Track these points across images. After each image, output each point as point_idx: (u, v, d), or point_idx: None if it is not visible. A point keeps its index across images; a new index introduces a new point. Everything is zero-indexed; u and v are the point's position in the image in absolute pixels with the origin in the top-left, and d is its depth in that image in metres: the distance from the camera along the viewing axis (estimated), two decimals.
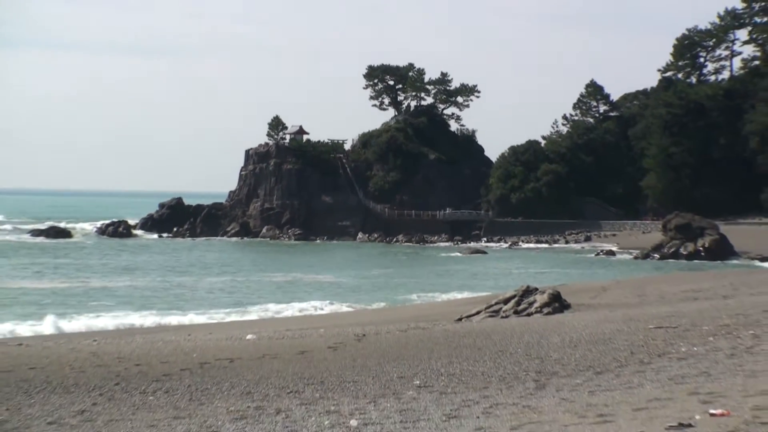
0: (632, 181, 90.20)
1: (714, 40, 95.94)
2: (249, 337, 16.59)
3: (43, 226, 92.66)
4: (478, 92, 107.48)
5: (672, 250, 60.74)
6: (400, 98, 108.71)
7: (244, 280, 46.87)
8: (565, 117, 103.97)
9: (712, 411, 8.22)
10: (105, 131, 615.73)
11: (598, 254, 67.35)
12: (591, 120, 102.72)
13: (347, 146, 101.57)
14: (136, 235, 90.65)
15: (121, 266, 54.74)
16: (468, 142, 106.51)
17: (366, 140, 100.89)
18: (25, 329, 25.86)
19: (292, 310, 32.32)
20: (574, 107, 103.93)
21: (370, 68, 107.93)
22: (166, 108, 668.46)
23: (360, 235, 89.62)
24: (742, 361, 11.30)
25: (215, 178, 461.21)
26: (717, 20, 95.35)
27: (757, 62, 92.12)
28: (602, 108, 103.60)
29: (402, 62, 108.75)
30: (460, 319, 20.64)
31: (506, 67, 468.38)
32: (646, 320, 15.71)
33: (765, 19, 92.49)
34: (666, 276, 37.99)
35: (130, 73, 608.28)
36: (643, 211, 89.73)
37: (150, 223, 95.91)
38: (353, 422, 9.26)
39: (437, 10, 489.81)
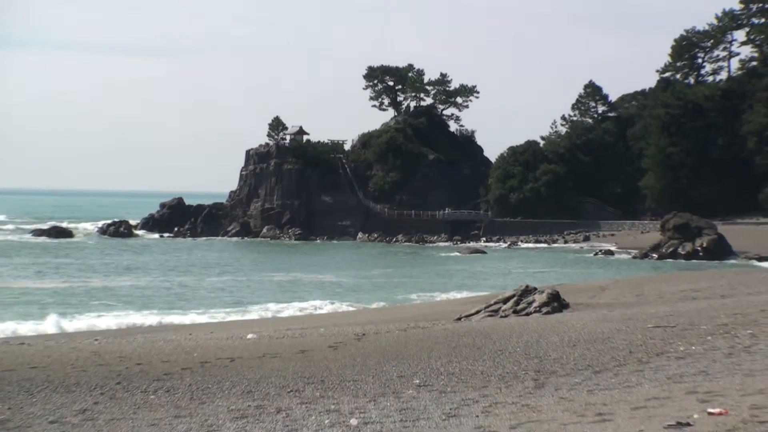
0: (631, 181, 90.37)
1: (712, 41, 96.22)
2: (250, 336, 16.59)
3: (45, 226, 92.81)
4: (478, 93, 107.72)
5: (670, 249, 60.85)
6: (399, 99, 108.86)
7: (245, 279, 46.93)
8: (563, 117, 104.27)
9: (710, 410, 8.25)
10: (107, 132, 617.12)
11: (596, 254, 67.45)
12: (590, 120, 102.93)
13: (347, 146, 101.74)
14: (137, 235, 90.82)
15: (122, 266, 54.81)
16: (467, 142, 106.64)
17: (366, 140, 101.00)
18: (27, 328, 25.92)
19: (292, 309, 32.39)
20: (573, 108, 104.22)
21: (370, 69, 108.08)
22: (166, 108, 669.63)
23: (360, 235, 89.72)
24: (740, 360, 11.35)
25: (216, 178, 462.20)
26: (715, 21, 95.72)
27: (754, 63, 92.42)
28: (601, 108, 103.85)
29: (402, 63, 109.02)
30: (459, 319, 20.66)
31: (505, 68, 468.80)
32: (645, 320, 15.75)
33: (762, 20, 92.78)
34: (664, 276, 38.02)
35: (131, 74, 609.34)
36: (641, 211, 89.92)
37: (151, 223, 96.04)
38: (353, 421, 9.27)
39: (437, 12, 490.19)
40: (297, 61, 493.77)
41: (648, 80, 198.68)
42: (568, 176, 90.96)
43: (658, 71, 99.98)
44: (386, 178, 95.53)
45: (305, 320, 26.22)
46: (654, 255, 61.31)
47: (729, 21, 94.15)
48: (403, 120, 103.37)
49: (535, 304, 20.59)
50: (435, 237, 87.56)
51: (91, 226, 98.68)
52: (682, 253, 59.96)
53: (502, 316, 20.24)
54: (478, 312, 21.31)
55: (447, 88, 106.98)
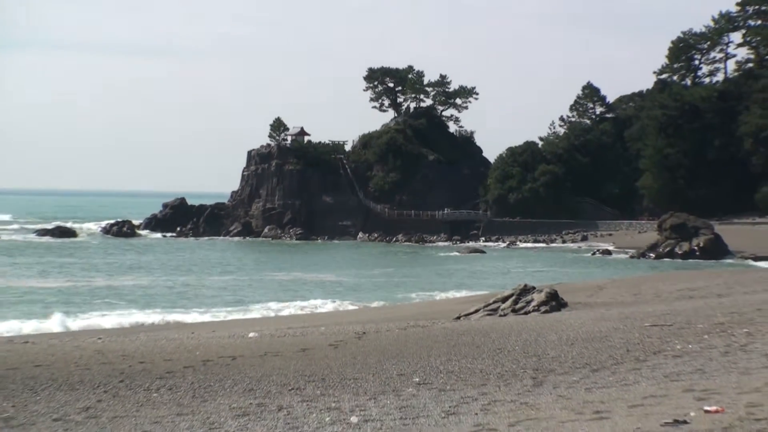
0: (628, 182, 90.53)
1: (709, 42, 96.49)
2: (251, 335, 16.61)
3: (49, 226, 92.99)
4: (477, 94, 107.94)
5: (667, 249, 60.99)
6: (399, 100, 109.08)
7: (247, 279, 47.00)
8: (562, 118, 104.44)
9: (706, 408, 8.26)
10: (108, 132, 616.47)
11: (594, 253, 67.53)
12: (588, 121, 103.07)
13: (348, 147, 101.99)
14: (140, 235, 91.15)
15: (125, 265, 54.90)
16: (467, 143, 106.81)
17: (366, 141, 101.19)
18: (31, 327, 25.95)
19: (293, 308, 32.43)
20: (571, 109, 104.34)
21: (371, 70, 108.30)
22: (168, 109, 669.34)
23: (360, 234, 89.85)
24: (736, 359, 11.37)
25: (218, 179, 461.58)
26: (711, 23, 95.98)
27: (750, 65, 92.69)
28: (599, 110, 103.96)
29: (401, 65, 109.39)
30: (458, 318, 20.71)
31: (504, 70, 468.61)
32: (642, 318, 15.78)
33: (759, 22, 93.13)
34: (661, 275, 37.99)
35: (133, 75, 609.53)
36: (638, 211, 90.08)
37: (154, 223, 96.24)
38: (354, 419, 9.29)
39: (436, 14, 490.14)
40: (298, 62, 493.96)
41: (645, 82, 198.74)
42: (567, 177, 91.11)
43: (655, 73, 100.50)
44: (386, 179, 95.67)
45: (306, 319, 26.25)
46: (651, 254, 61.45)
47: (725, 23, 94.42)
48: (403, 121, 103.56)
49: (533, 303, 20.66)
50: (435, 237, 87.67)
51: (94, 226, 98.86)
52: (679, 252, 60.10)
53: (500, 315, 20.30)
54: (477, 311, 21.38)
55: (446, 90, 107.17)
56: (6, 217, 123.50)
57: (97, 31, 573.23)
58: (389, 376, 11.74)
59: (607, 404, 9.08)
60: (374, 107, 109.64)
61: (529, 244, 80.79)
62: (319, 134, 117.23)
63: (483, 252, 71.94)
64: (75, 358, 13.53)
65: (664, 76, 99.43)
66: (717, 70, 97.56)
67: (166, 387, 11.39)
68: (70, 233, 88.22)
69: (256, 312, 31.65)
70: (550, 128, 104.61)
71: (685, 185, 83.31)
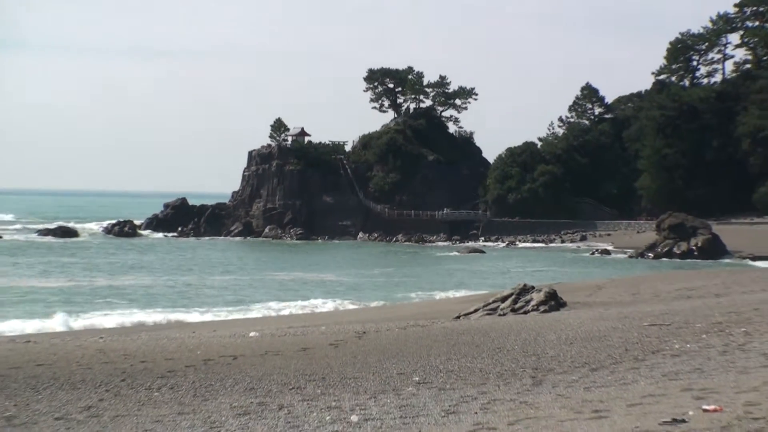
0: (627, 182, 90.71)
1: (707, 43, 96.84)
2: (252, 334, 16.62)
3: (51, 226, 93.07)
4: (476, 95, 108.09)
5: (666, 249, 61.10)
6: (399, 101, 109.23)
7: (247, 278, 47.06)
8: (560, 119, 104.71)
9: (705, 407, 8.27)
10: (110, 132, 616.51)
11: (593, 253, 67.65)
12: (586, 122, 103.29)
13: (348, 148, 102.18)
14: (141, 235, 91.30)
15: (127, 265, 54.94)
16: (466, 143, 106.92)
17: (366, 142, 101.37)
18: (33, 327, 25.98)
19: (293, 308, 32.49)
20: (570, 109, 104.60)
21: (371, 71, 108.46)
22: (170, 110, 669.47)
23: (360, 234, 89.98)
24: (734, 358, 11.41)
25: (219, 179, 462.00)
26: (710, 24, 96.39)
27: (748, 65, 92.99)
28: (597, 110, 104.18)
29: (401, 65, 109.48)
30: (458, 317, 20.75)
31: (503, 71, 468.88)
32: (641, 318, 15.83)
33: (756, 23, 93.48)
34: (660, 275, 37.98)
35: (135, 76, 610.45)
36: (637, 211, 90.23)
37: (155, 223, 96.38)
38: (354, 418, 9.32)
39: (436, 14, 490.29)
40: (298, 63, 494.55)
41: (644, 82, 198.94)
42: (566, 177, 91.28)
43: (653, 73, 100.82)
44: (386, 179, 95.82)
45: (306, 318, 26.29)
46: (650, 254, 61.56)
47: (723, 24, 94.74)
48: (402, 121, 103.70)
49: (532, 303, 20.71)
50: (434, 237, 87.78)
51: (95, 226, 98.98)
52: (678, 252, 60.23)
53: (500, 315, 20.35)
54: (476, 310, 21.43)
55: (446, 90, 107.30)
56: (8, 217, 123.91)
57: (99, 32, 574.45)
58: (389, 376, 11.77)
59: (605, 403, 9.10)
60: (374, 108, 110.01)
61: (529, 244, 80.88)
62: (319, 135, 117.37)
63: (482, 252, 72.00)
64: (77, 358, 13.55)
65: (662, 76, 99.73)
66: (715, 71, 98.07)
67: (167, 386, 11.42)
68: (71, 233, 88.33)
69: (256, 311, 31.72)
70: (549, 129, 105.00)
71: (683, 185, 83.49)
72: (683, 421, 7.77)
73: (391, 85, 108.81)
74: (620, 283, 30.33)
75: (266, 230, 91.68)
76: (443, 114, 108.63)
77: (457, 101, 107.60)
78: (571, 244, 78.94)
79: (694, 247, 60.12)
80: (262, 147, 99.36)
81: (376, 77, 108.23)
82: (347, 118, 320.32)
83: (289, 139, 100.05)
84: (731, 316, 15.48)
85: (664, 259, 59.66)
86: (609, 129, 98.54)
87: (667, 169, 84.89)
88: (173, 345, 15.00)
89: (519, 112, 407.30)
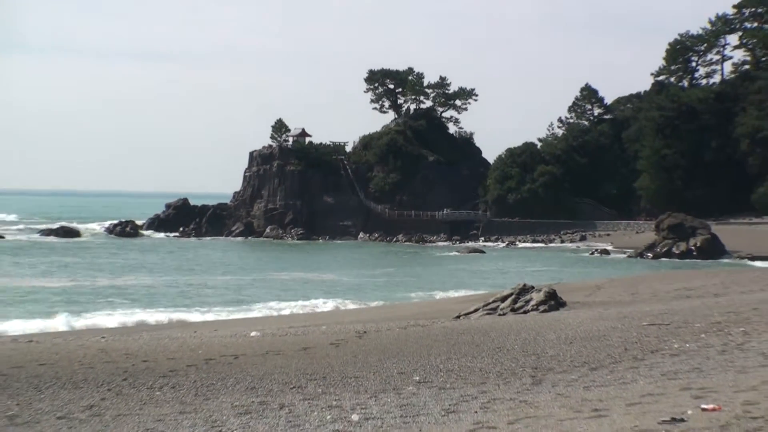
0: (626, 182, 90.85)
1: (705, 44, 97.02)
2: (253, 334, 16.69)
3: (53, 226, 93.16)
4: (476, 96, 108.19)
5: (665, 249, 61.18)
6: (400, 101, 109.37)
7: (249, 278, 47.09)
8: (560, 120, 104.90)
9: (703, 406, 8.29)
10: (113, 134, 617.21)
11: (592, 253, 67.73)
12: (586, 123, 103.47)
13: (348, 148, 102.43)
14: (143, 235, 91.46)
15: (128, 265, 54.99)
16: (466, 144, 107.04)
17: (367, 142, 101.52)
18: (35, 326, 26.00)
19: (294, 307, 32.50)
20: (570, 110, 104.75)
21: (371, 72, 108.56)
22: (172, 112, 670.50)
23: (361, 234, 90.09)
24: (732, 358, 11.45)
25: (220, 180, 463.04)
26: (708, 25, 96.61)
27: (747, 66, 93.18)
28: (597, 111, 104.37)
29: (402, 67, 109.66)
30: (458, 317, 20.80)
31: (503, 72, 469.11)
32: (640, 318, 15.88)
33: (755, 24, 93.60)
34: (659, 274, 38.00)
35: (138, 79, 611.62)
36: (636, 211, 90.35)
37: (157, 223, 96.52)
38: (355, 417, 9.35)
39: (436, 16, 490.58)
40: (299, 65, 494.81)
41: (643, 83, 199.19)
42: (565, 177, 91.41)
43: (652, 74, 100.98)
44: (387, 179, 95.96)
45: (307, 318, 26.32)
46: (649, 254, 61.65)
47: (722, 25, 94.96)
48: (403, 122, 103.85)
49: (532, 303, 20.76)
50: (434, 237, 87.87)
51: (98, 226, 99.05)
52: (677, 252, 60.32)
53: (500, 314, 20.40)
54: (476, 310, 21.47)
55: (446, 91, 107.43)
56: (12, 218, 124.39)
57: (100, 34, 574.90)
58: (390, 375, 11.81)
59: (605, 402, 9.12)
60: (375, 109, 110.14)
61: (528, 244, 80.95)
62: (320, 135, 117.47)
63: (482, 252, 72.05)
64: (79, 357, 13.59)
65: (661, 77, 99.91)
66: (714, 71, 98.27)
67: (169, 385, 11.45)
68: (73, 233, 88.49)
69: (257, 311, 31.75)
70: (548, 129, 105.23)
71: (682, 186, 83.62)
72: (682, 420, 7.80)
73: (391, 86, 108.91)
74: (619, 283, 30.36)
75: (267, 230, 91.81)
76: (443, 115, 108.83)
77: (457, 102, 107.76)
78: (570, 244, 79.02)
79: (693, 247, 60.21)
80: (263, 148, 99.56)
81: (376, 78, 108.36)
82: (348, 119, 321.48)
83: (290, 139, 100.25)
84: (730, 315, 15.53)
85: (663, 259, 59.73)
86: (608, 129, 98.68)
87: (666, 170, 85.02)
88: (175, 344, 15.04)
89: (519, 112, 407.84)
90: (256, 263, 60.27)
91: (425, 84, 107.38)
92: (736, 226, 73.84)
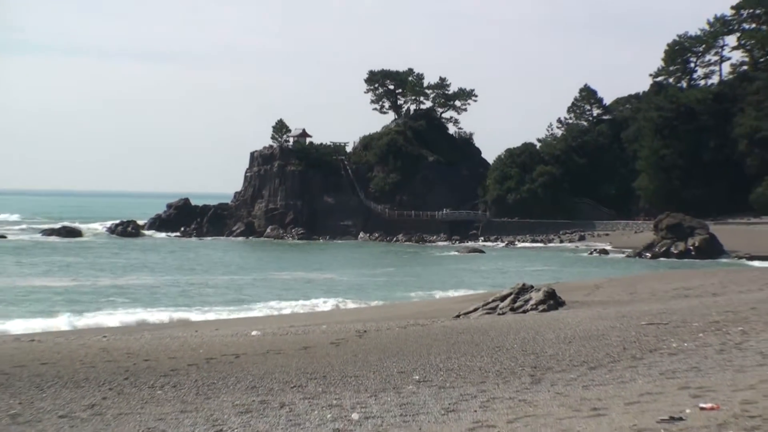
0: (625, 183, 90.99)
1: (704, 45, 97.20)
2: (254, 333, 16.73)
3: (55, 226, 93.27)
4: (476, 96, 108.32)
5: (663, 249, 61.28)
6: (400, 102, 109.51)
7: (249, 278, 47.15)
8: (559, 120, 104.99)
9: (702, 405, 8.31)
10: (115, 135, 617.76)
11: (591, 253, 67.83)
12: (585, 123, 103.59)
13: (349, 149, 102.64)
14: (144, 235, 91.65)
15: (130, 265, 55.06)
16: (466, 144, 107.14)
17: (367, 143, 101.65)
18: (37, 325, 26.04)
19: (295, 307, 32.57)
20: (569, 111, 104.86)
21: (371, 73, 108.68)
22: (172, 112, 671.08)
23: (361, 234, 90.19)
24: (731, 357, 11.49)
25: (221, 180, 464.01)
26: (707, 27, 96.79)
27: (745, 67, 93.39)
28: (596, 111, 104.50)
29: (402, 67, 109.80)
30: (458, 316, 20.84)
31: (503, 72, 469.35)
32: (638, 317, 15.94)
33: (753, 25, 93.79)
34: (657, 274, 38.06)
35: (138, 79, 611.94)
36: (635, 211, 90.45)
37: (158, 223, 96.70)
38: (355, 416, 9.37)
39: (436, 17, 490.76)
40: (300, 66, 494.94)
41: (642, 84, 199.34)
42: (564, 177, 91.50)
43: (651, 75, 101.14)
44: (387, 180, 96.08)
45: (308, 317, 26.38)
46: (647, 254, 61.75)
47: (720, 26, 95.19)
48: (403, 123, 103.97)
49: (531, 302, 20.81)
50: (434, 237, 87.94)
51: (99, 226, 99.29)
52: (675, 252, 60.41)
53: (499, 314, 20.44)
54: (476, 309, 21.52)
55: (446, 92, 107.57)
56: (14, 217, 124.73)
57: (100, 34, 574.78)
58: (390, 374, 11.85)
59: (604, 401, 9.15)
60: (375, 109, 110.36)
61: (528, 244, 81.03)
62: (320, 136, 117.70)
63: (482, 252, 72.10)
64: (80, 356, 13.61)
65: (660, 78, 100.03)
66: (712, 72, 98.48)
67: (170, 384, 11.48)
68: (75, 233, 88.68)
69: (258, 311, 31.80)
70: (547, 130, 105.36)
71: (680, 186, 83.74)
72: (680, 419, 7.82)
73: (391, 87, 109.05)
74: (618, 283, 30.41)
75: (268, 230, 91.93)
76: (443, 115, 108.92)
77: (457, 103, 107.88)
78: (569, 244, 79.09)
79: (691, 247, 60.29)
80: (264, 148, 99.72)
81: (376, 79, 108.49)
82: (348, 120, 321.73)
83: (291, 140, 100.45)
84: (728, 315, 15.58)
85: (662, 258, 59.82)
86: (607, 130, 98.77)
87: (664, 170, 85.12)
88: (176, 344, 15.06)
89: (518, 113, 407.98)
90: (257, 263, 60.35)
91: (425, 85, 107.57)
92: (734, 226, 73.94)
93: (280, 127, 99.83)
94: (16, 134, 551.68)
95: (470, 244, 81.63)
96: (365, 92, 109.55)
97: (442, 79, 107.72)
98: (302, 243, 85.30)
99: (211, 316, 30.02)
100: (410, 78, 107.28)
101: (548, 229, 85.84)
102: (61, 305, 32.15)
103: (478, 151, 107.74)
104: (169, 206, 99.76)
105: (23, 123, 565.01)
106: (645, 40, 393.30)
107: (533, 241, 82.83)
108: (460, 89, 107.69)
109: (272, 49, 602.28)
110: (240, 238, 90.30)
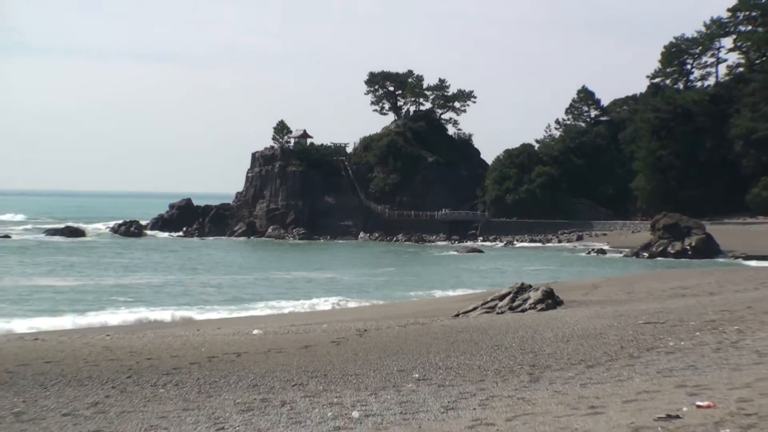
0: (622, 183, 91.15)
1: (700, 47, 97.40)
2: (255, 332, 16.77)
3: (59, 226, 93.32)
4: (475, 98, 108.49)
5: (660, 248, 61.44)
6: (399, 103, 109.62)
7: (251, 277, 47.25)
8: (557, 121, 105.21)
9: (698, 403, 8.36)
10: (117, 135, 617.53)
11: (589, 253, 67.94)
12: (583, 124, 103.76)
13: (349, 149, 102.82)
14: (147, 235, 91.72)
15: (133, 264, 55.15)
16: (465, 145, 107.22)
17: (367, 144, 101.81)
18: (41, 324, 26.08)
19: (296, 306, 32.66)
20: (567, 112, 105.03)
21: (371, 75, 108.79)
22: (172, 112, 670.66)
23: (361, 234, 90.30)
24: (727, 355, 11.57)
25: (223, 180, 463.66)
26: (703, 29, 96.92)
27: (741, 69, 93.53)
28: (593, 113, 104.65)
29: (401, 69, 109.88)
30: (457, 315, 20.89)
31: (502, 73, 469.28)
32: (636, 316, 16.00)
33: (749, 27, 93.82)
34: (654, 274, 38.05)
35: (138, 79, 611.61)
36: (632, 211, 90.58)
37: (160, 223, 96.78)
38: (355, 414, 9.41)
39: (436, 17, 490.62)
40: (301, 67, 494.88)
41: (639, 85, 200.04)
42: (562, 178, 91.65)
43: (648, 77, 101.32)
44: (387, 180, 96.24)
45: (309, 316, 26.45)
46: (645, 254, 61.91)
47: (717, 28, 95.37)
48: (403, 124, 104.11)
49: (530, 301, 20.85)
50: (434, 237, 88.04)
51: (103, 226, 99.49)
52: (672, 252, 60.56)
53: (498, 313, 20.50)
54: (475, 309, 21.57)
55: (445, 93, 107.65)
56: (19, 218, 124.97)
57: (101, 35, 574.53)
58: (390, 372, 11.89)
59: (601, 399, 9.20)
60: (375, 110, 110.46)
61: (526, 244, 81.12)
62: (321, 137, 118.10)
63: (481, 251, 72.16)
64: (84, 355, 13.65)
65: (657, 80, 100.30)
66: (708, 74, 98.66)
67: (172, 383, 11.52)
68: (79, 233, 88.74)
69: (260, 310, 31.89)
70: (546, 131, 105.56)
71: (677, 186, 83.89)
72: (677, 417, 7.86)
73: (391, 88, 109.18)
74: (616, 282, 30.42)
75: (269, 230, 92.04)
76: (442, 116, 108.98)
77: (456, 104, 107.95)
78: (567, 244, 79.17)
79: (688, 247, 60.46)
80: (265, 149, 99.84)
81: (376, 80, 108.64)
82: (348, 121, 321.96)
83: (292, 141, 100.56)
84: (725, 314, 15.65)
85: (659, 258, 59.95)
86: (605, 131, 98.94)
87: (661, 171, 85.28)
88: (178, 342, 15.10)
89: (517, 114, 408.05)
90: (259, 262, 60.43)
91: (425, 86, 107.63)
92: (730, 226, 74.12)
93: (281, 128, 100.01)
94: (16, 135, 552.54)
95: (469, 244, 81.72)
96: (365, 94, 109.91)
97: (442, 81, 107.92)
98: (303, 243, 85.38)
99: (213, 315, 30.12)
100: (410, 79, 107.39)
101: (546, 229, 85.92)
102: (64, 304, 32.29)
103: (477, 152, 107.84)
104: (172, 206, 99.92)
105: (23, 123, 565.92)
106: (642, 41, 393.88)
107: (531, 241, 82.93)
108: (460, 90, 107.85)
109: (272, 49, 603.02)
110: (241, 238, 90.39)
